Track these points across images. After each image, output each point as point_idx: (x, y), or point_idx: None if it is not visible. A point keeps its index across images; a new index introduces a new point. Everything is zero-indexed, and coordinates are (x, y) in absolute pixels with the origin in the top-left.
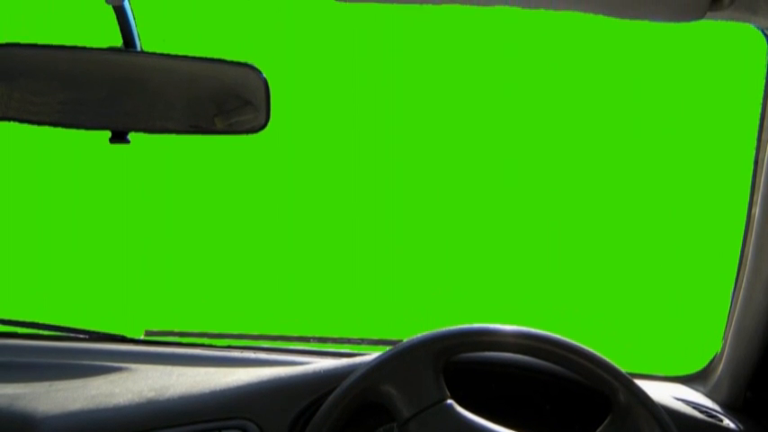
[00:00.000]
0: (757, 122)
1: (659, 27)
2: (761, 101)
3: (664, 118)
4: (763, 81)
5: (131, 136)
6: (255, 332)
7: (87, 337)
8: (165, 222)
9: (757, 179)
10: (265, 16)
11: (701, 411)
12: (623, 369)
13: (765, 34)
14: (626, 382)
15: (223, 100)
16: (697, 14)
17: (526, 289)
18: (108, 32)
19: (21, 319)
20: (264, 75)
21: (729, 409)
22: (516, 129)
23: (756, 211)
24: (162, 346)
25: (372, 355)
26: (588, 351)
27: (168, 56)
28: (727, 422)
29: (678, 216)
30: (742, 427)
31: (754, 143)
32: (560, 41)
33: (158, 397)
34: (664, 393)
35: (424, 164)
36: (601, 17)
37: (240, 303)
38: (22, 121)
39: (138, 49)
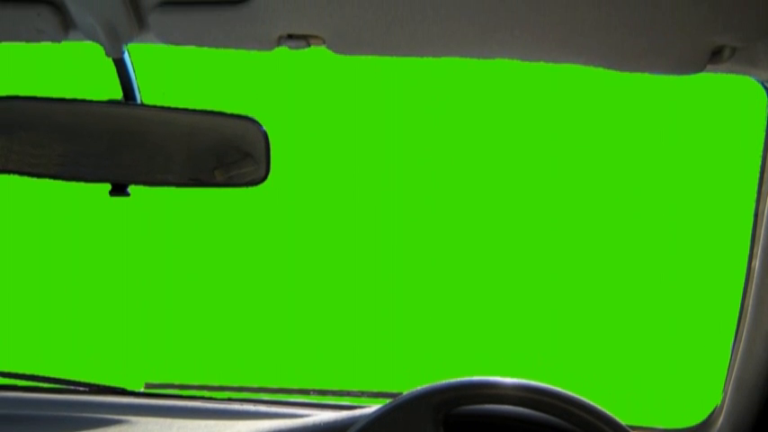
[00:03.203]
0: (757, 175)
1: (658, 78)
2: (761, 153)
3: (663, 171)
4: (764, 133)
5: (131, 189)
6: (255, 385)
7: (87, 389)
8: (165, 276)
9: (757, 232)
10: (265, 69)
11: None
12: (623, 421)
13: (765, 87)
14: None
15: (223, 152)
16: (697, 67)
17: (526, 342)
18: (108, 85)
19: (21, 371)
20: (264, 127)
21: None
22: (513, 183)
23: (756, 263)
24: (162, 399)
25: (372, 407)
26: (588, 403)
27: (168, 108)
28: None
29: (678, 268)
30: None
31: (755, 195)
32: (558, 92)
33: None
34: None
35: (421, 216)
36: (600, 70)
37: (240, 356)
38: (21, 173)
39: (138, 101)
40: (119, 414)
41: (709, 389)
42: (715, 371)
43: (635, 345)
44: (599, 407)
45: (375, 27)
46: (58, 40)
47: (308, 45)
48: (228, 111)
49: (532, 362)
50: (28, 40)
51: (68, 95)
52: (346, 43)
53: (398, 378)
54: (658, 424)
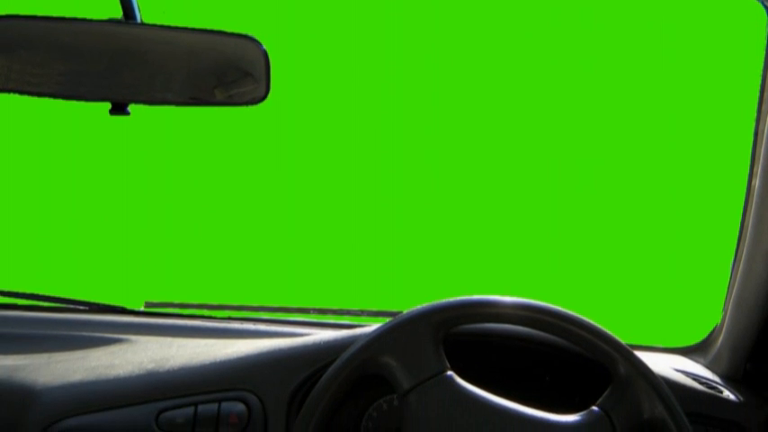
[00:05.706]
0: (757, 95)
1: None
2: (760, 74)
3: (662, 93)
4: (763, 54)
5: (131, 107)
6: (255, 303)
7: (87, 308)
8: (164, 194)
9: (757, 151)
10: None
11: (701, 383)
12: (623, 340)
13: (765, 6)
14: (626, 354)
15: (223, 71)
16: None
17: (525, 261)
18: (107, 3)
19: (20, 290)
20: (264, 46)
21: (729, 380)
22: (509, 109)
23: (756, 182)
24: (162, 318)
25: (372, 326)
26: (588, 322)
27: (168, 27)
28: (726, 393)
29: (677, 186)
30: (741, 399)
31: (754, 115)
32: (555, 11)
33: (158, 368)
34: (663, 365)
35: (422, 136)
36: None
37: (240, 275)
38: (21, 92)
39: (138, 20)
40: (118, 333)
41: (709, 308)
42: (715, 290)
43: (635, 264)
44: (599, 326)
45: None
46: None
47: None
48: (229, 29)
49: (533, 281)
50: None
51: (68, 14)
52: None
53: (398, 297)
54: (658, 343)
